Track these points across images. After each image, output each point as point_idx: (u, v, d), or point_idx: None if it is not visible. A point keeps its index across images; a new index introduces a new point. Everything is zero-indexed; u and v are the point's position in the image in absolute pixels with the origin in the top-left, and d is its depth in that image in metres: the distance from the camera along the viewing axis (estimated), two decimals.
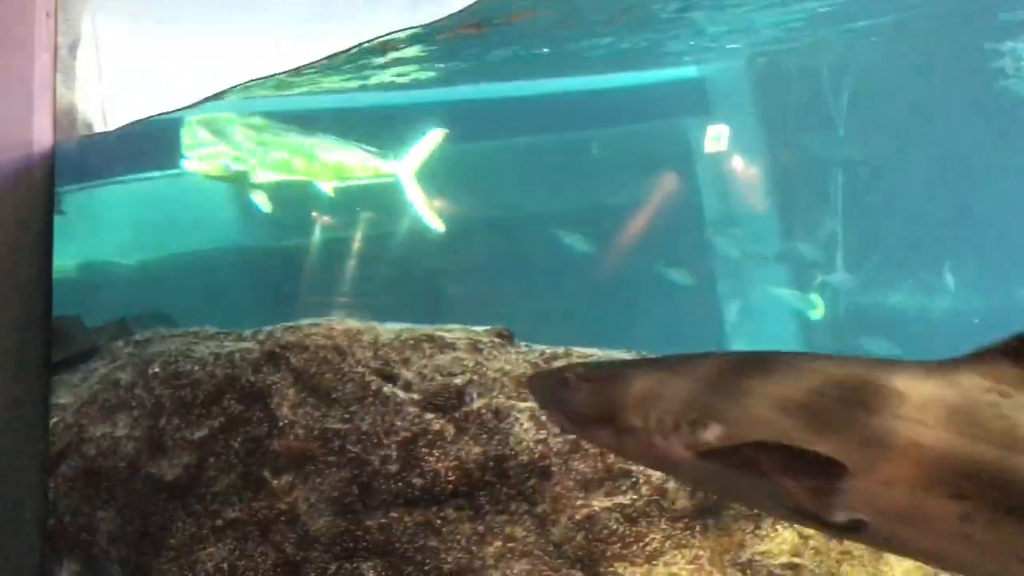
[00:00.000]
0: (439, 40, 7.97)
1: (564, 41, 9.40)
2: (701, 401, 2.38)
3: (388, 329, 4.85)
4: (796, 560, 4.04)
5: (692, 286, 11.60)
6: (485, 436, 4.34)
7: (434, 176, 10.51)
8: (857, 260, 12.12)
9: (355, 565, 4.21)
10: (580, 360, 4.51)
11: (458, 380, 4.54)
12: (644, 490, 4.21)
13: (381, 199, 10.34)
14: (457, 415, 4.41)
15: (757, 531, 4.12)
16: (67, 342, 5.36)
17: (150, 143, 8.94)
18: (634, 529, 4.15)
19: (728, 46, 11.05)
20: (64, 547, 4.71)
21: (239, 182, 9.21)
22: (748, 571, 4.05)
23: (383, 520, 4.25)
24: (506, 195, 11.47)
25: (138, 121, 6.54)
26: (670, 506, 4.18)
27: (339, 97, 10.62)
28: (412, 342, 4.74)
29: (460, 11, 6.19)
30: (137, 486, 4.60)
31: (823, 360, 2.40)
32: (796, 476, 2.20)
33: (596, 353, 4.68)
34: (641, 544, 4.12)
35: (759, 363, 2.42)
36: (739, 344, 12.02)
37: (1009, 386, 2.11)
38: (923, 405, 2.14)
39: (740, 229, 12.39)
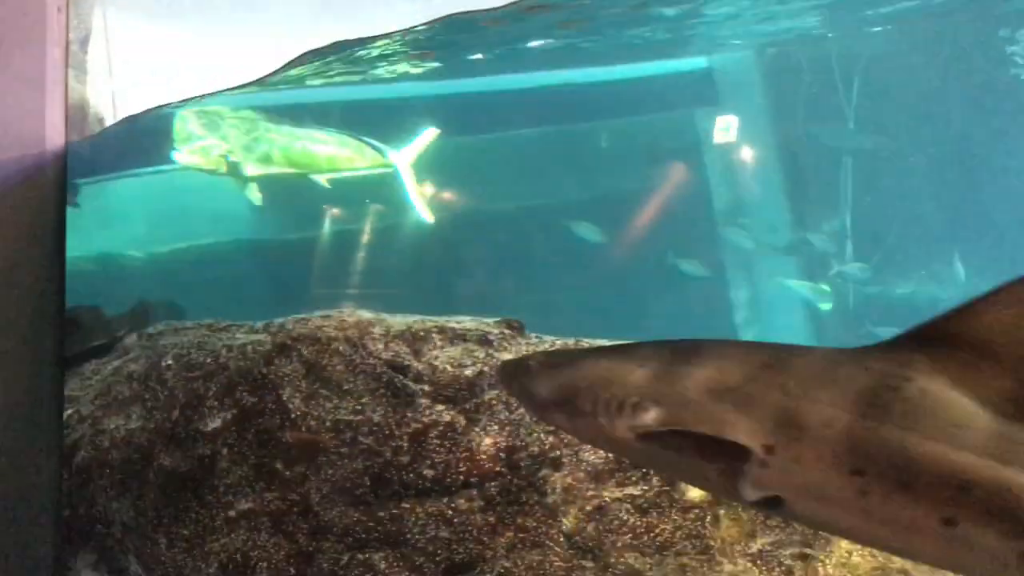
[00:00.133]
0: (446, 34, 7.97)
1: (574, 33, 9.38)
2: (642, 385, 2.54)
3: (399, 320, 4.86)
4: (807, 551, 4.05)
5: (703, 277, 11.59)
6: (496, 427, 4.36)
7: (443, 168, 10.50)
8: (867, 251, 12.07)
9: (367, 556, 4.24)
10: None
11: (469, 371, 4.56)
12: (655, 481, 4.22)
13: (391, 191, 10.34)
14: (468, 406, 4.43)
15: (768, 521, 4.13)
16: (87, 333, 5.38)
17: (162, 136, 8.97)
18: (645, 520, 4.16)
19: (737, 36, 11.00)
20: (79, 538, 4.76)
21: (231, 175, 9.16)
22: (759, 561, 4.06)
23: (395, 511, 4.27)
24: (515, 186, 11.46)
25: (150, 110, 6.57)
26: (681, 497, 4.19)
27: (344, 90, 10.63)
28: (423, 333, 4.76)
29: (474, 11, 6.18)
30: (151, 477, 4.63)
31: (749, 347, 2.57)
32: (709, 459, 2.39)
33: (606, 344, 4.68)
34: (652, 535, 4.13)
35: (694, 350, 2.57)
36: (749, 334, 12.00)
37: (912, 371, 2.26)
38: (835, 388, 2.30)
39: (749, 220, 12.36)
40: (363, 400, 4.48)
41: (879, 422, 2.21)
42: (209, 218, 10.52)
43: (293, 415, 4.50)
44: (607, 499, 4.21)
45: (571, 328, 4.93)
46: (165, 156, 9.34)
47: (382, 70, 9.58)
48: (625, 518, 4.17)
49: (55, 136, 4.66)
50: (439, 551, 4.19)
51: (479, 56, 9.96)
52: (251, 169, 9.18)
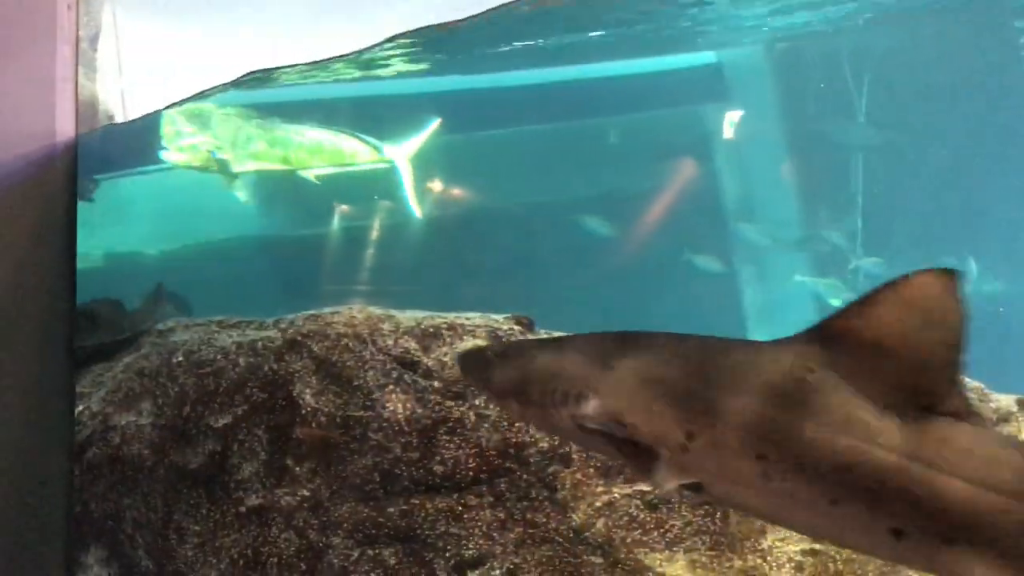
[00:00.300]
0: (454, 31, 7.95)
1: (582, 28, 9.36)
2: (584, 376, 2.67)
3: (408, 317, 4.86)
4: (816, 546, 4.04)
5: (714, 272, 11.56)
6: (505, 423, 4.35)
7: (453, 164, 10.48)
8: (878, 246, 12.01)
9: (377, 551, 4.24)
10: None
11: None
12: None
13: (397, 187, 10.34)
14: (477, 402, 4.43)
15: None
16: (108, 327, 5.37)
17: None
18: (654, 516, 4.16)
19: (747, 31, 10.96)
20: (90, 533, 4.77)
21: (220, 173, 9.11)
22: (768, 557, 4.05)
23: (404, 507, 4.28)
24: (525, 183, 11.45)
25: (161, 110, 6.57)
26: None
27: (352, 86, 10.61)
28: (432, 330, 4.75)
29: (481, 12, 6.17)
30: (161, 473, 4.65)
31: (679, 339, 2.69)
32: (625, 455, 2.58)
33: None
34: (661, 530, 4.13)
35: (632, 342, 2.71)
36: (760, 329, 11.96)
37: (815, 363, 2.39)
38: (748, 379, 2.44)
39: (759, 215, 12.32)
40: (373, 396, 4.48)
41: (782, 410, 2.37)
42: (219, 215, 10.54)
43: (303, 411, 4.50)
44: (617, 495, 4.20)
45: (580, 324, 4.91)
46: None
47: (392, 67, 9.57)
48: (635, 514, 4.16)
49: (65, 132, 4.67)
50: (449, 547, 4.19)
51: (486, 51, 9.94)
52: (239, 166, 9.12)
